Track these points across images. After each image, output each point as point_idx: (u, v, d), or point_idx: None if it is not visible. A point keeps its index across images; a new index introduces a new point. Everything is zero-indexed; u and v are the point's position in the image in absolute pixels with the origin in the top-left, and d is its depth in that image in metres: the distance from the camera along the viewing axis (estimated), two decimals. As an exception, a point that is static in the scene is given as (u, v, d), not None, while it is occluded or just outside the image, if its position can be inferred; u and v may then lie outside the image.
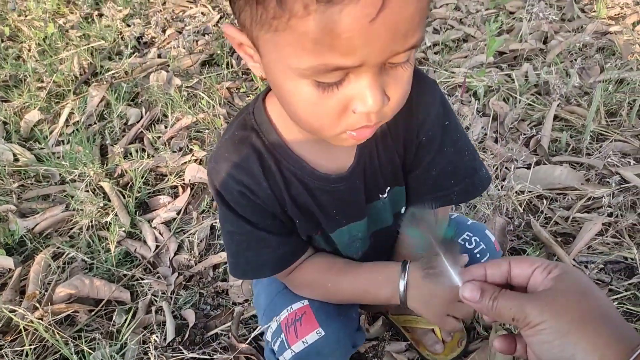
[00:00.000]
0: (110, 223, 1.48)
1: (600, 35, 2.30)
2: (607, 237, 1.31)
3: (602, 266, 1.25)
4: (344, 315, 0.86)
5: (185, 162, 1.72)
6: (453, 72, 2.06)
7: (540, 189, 1.43)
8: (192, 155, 1.75)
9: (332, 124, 0.55)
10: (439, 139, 0.75)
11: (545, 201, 1.42)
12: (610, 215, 1.37)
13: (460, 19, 2.58)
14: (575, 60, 2.08)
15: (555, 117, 1.75)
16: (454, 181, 0.80)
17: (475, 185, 0.81)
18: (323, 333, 0.81)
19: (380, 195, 0.80)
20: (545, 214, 1.40)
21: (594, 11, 2.51)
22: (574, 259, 1.26)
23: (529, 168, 1.52)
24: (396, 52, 0.49)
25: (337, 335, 0.83)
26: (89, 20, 3.02)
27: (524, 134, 1.71)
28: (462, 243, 0.96)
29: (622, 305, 1.15)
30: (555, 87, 1.83)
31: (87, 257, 1.41)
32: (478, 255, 0.95)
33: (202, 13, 2.97)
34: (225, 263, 1.38)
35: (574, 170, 1.51)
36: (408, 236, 0.57)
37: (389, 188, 0.80)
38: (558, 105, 1.78)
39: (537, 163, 1.57)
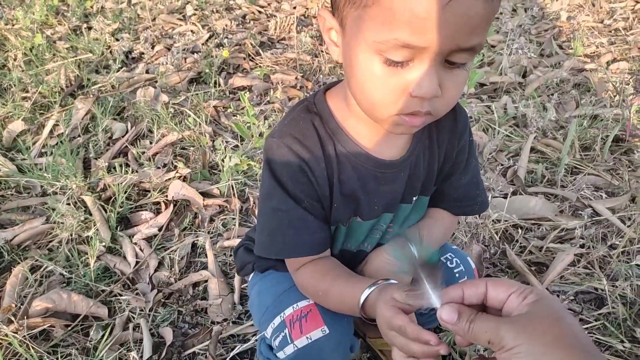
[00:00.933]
0: (90, 237, 1.48)
1: (577, 71, 2.40)
2: (578, 267, 1.35)
3: (573, 296, 1.29)
4: (347, 318, 0.88)
5: (169, 179, 1.73)
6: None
7: (516, 219, 1.47)
8: (176, 172, 1.76)
9: (391, 101, 0.63)
10: (467, 151, 0.88)
11: (520, 230, 1.46)
12: (582, 246, 1.42)
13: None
14: (552, 95, 2.16)
15: (532, 149, 1.82)
16: (478, 192, 0.93)
17: (485, 200, 0.94)
18: (328, 331, 0.83)
19: (413, 199, 0.87)
20: (520, 243, 1.44)
21: (571, 48, 2.61)
22: (547, 288, 1.30)
23: (505, 197, 1.56)
24: (458, 45, 0.57)
25: (340, 336, 0.85)
26: (78, 32, 3.03)
27: (502, 164, 1.76)
28: (444, 261, 1.00)
29: (591, 334, 1.19)
30: (533, 120, 1.90)
31: (66, 271, 1.40)
32: (457, 275, 0.98)
33: (191, 31, 3.00)
34: (205, 281, 1.38)
35: (548, 201, 1.57)
36: (393, 257, 0.59)
37: (416, 197, 0.87)
38: (535, 138, 1.85)
39: (514, 193, 1.62)
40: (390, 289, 0.68)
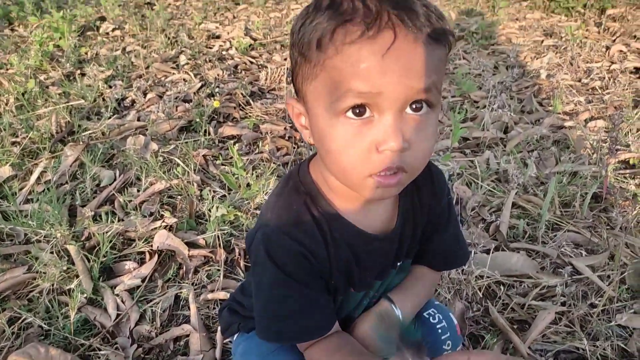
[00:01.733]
0: (72, 289, 1.46)
1: (556, 128, 2.49)
2: (560, 326, 1.36)
3: (554, 356, 1.30)
4: None
5: (155, 228, 1.73)
6: (420, 155, 2.17)
7: (498, 275, 1.49)
8: (163, 221, 1.76)
9: (360, 162, 0.64)
10: (447, 211, 0.91)
11: (502, 287, 1.48)
12: (563, 304, 1.43)
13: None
14: (533, 151, 2.23)
15: (513, 205, 1.86)
16: (459, 245, 0.96)
17: (466, 252, 0.98)
18: None
19: (398, 264, 0.89)
20: (503, 300, 1.45)
21: (551, 106, 2.71)
22: (529, 347, 1.31)
23: (488, 253, 1.59)
24: (412, 88, 0.60)
25: None
26: (71, 78, 3.08)
27: (484, 219, 1.80)
28: (427, 317, 1.01)
29: (573, 396, 1.19)
30: (514, 176, 1.95)
31: (45, 323, 1.38)
32: (440, 331, 0.99)
33: (184, 80, 3.07)
34: (187, 336, 1.37)
35: (530, 258, 1.59)
36: (376, 339, 0.61)
37: (400, 262, 0.89)
38: (516, 194, 1.89)
39: (496, 248, 1.64)
40: None
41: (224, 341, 1.34)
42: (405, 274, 0.95)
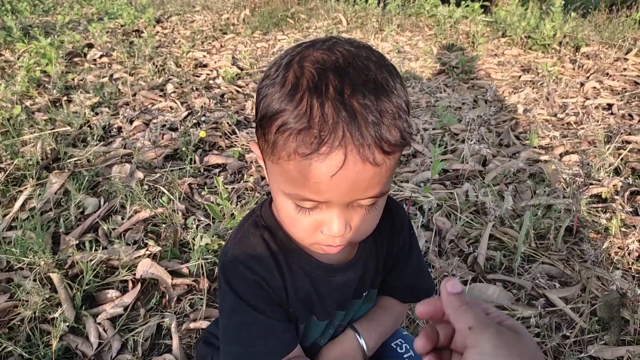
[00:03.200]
0: (55, 318, 1.46)
1: (532, 162, 2.57)
2: (534, 357, 1.40)
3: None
4: None
5: (139, 257, 1.75)
6: (401, 186, 2.24)
7: (475, 306, 1.53)
8: (147, 249, 1.78)
9: (306, 237, 0.72)
10: (408, 244, 0.95)
11: (479, 318, 1.52)
12: (537, 335, 1.48)
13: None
14: (510, 184, 2.30)
15: (491, 237, 1.91)
16: (422, 279, 0.99)
17: (431, 285, 1.01)
18: None
19: (363, 294, 0.93)
20: (479, 331, 1.49)
21: (528, 140, 2.81)
22: (504, 378, 1.34)
23: (465, 284, 1.63)
24: (357, 198, 0.66)
25: None
26: (57, 104, 3.11)
27: (462, 251, 1.85)
28: (394, 347, 1.04)
29: None
30: (491, 208, 2.01)
31: (25, 352, 1.38)
32: None
33: (170, 108, 3.12)
34: (169, 366, 1.37)
35: (505, 289, 1.64)
36: None
37: (367, 292, 0.93)
38: (493, 226, 1.95)
39: (474, 279, 1.69)
40: None
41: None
42: (371, 304, 0.98)
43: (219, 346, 1.02)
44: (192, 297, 1.62)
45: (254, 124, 3.02)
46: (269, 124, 0.64)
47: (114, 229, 1.91)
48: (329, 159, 0.60)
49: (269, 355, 0.84)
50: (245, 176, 2.33)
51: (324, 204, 0.67)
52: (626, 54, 4.19)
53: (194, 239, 1.81)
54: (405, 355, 1.02)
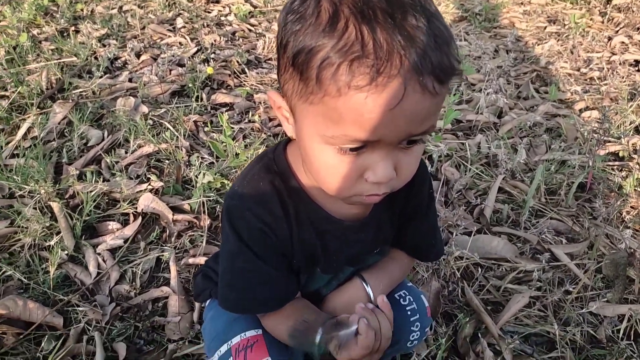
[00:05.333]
0: (52, 246, 1.46)
1: (550, 116, 2.48)
2: (533, 310, 1.39)
3: (525, 338, 1.32)
4: (291, 351, 0.90)
5: (141, 191, 1.73)
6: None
7: (477, 258, 1.50)
8: (149, 184, 1.76)
9: (347, 187, 0.65)
10: (426, 203, 0.91)
11: (480, 269, 1.50)
12: (538, 289, 1.45)
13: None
14: (524, 137, 2.23)
15: (500, 190, 1.86)
16: (434, 241, 0.96)
17: (441, 248, 0.99)
18: None
19: (375, 251, 0.91)
20: (480, 282, 1.47)
21: (547, 93, 2.70)
22: (500, 328, 1.33)
23: (469, 235, 1.60)
24: (411, 134, 0.60)
25: None
26: (65, 35, 3.02)
27: (469, 202, 1.81)
28: (397, 298, 1.02)
29: (539, 377, 1.22)
30: (503, 161, 1.95)
31: (24, 277, 1.38)
32: (409, 313, 1.00)
33: (179, 43, 3.02)
34: (166, 298, 1.38)
35: (510, 242, 1.61)
36: None
37: (379, 249, 0.91)
38: (503, 179, 1.90)
39: (479, 231, 1.65)
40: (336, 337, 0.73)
41: (202, 304, 1.35)
42: (379, 257, 0.95)
43: (216, 281, 1.01)
44: (192, 233, 1.61)
45: (265, 65, 2.94)
46: (307, 60, 0.56)
47: (116, 162, 1.88)
48: (388, 90, 0.53)
49: (266, 304, 0.82)
50: (251, 116, 2.28)
51: (369, 146, 0.60)
52: (661, 8, 3.96)
53: (196, 176, 1.79)
54: (407, 308, 0.99)
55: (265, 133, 2.14)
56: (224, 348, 0.88)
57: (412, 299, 1.02)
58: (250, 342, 0.86)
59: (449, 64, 0.56)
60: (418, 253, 0.99)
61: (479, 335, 1.31)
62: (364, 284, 0.90)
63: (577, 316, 1.36)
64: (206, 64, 2.68)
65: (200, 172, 1.77)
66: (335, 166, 0.63)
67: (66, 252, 1.48)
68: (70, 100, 2.21)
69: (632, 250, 1.53)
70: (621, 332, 1.33)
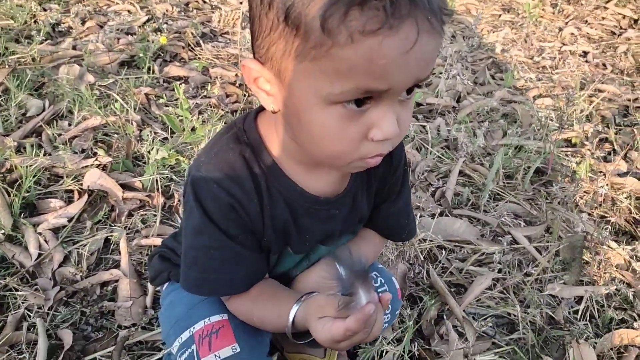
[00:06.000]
0: (-13, 223, 1.33)
1: (506, 102, 2.52)
2: (494, 292, 1.39)
3: (487, 320, 1.33)
4: (260, 336, 0.84)
5: (87, 166, 1.60)
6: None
7: (441, 240, 1.50)
8: (96, 159, 1.63)
9: (351, 150, 0.61)
10: (401, 182, 0.87)
11: (444, 252, 1.49)
12: (499, 271, 1.46)
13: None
14: (483, 122, 2.25)
15: (460, 173, 1.87)
16: (407, 221, 0.93)
17: (414, 228, 0.96)
18: (238, 349, 0.79)
19: (351, 229, 0.87)
20: (443, 264, 1.46)
21: (502, 80, 2.74)
22: (464, 310, 1.33)
23: (433, 217, 1.59)
24: (419, 79, 0.57)
25: (251, 354, 0.81)
26: (-1, -5, 2.77)
27: (431, 184, 1.80)
28: None
29: (502, 358, 1.22)
30: (463, 144, 1.96)
31: (-47, 259, 1.25)
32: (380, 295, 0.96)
33: (128, 11, 2.84)
34: (115, 281, 1.28)
35: (471, 225, 1.61)
36: (331, 276, 0.61)
37: (354, 227, 0.87)
38: (464, 162, 1.90)
39: (441, 214, 1.65)
40: (318, 304, 0.67)
41: (157, 288, 1.27)
42: (351, 237, 0.91)
43: (175, 263, 0.93)
44: (144, 213, 1.51)
45: (221, 39, 2.81)
46: (306, 10, 0.50)
47: (59, 135, 1.74)
48: (402, 33, 0.50)
49: (231, 286, 0.76)
50: (209, 90, 2.17)
51: (374, 100, 0.56)
52: (607, 2, 4.11)
53: (149, 152, 1.68)
54: (379, 289, 0.96)
55: (222, 109, 2.04)
56: (185, 335, 0.82)
57: (383, 281, 0.99)
58: (215, 328, 0.80)
59: (444, 3, 0.55)
60: (391, 232, 0.96)
61: (444, 317, 1.30)
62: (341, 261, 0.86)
63: (537, 298, 1.38)
64: (158, 34, 2.52)
65: (153, 148, 1.66)
66: (339, 129, 0.58)
67: (2, 231, 1.34)
68: (7, 66, 2.02)
69: (587, 233, 1.56)
70: (579, 313, 1.35)
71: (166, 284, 0.97)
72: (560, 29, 3.60)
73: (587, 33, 3.58)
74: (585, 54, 3.26)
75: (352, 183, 0.79)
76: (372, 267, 1.01)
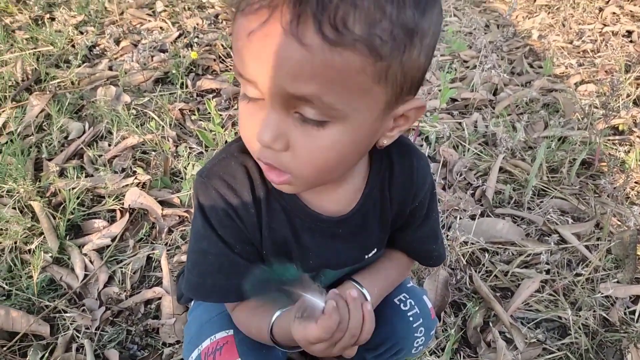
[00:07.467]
0: (33, 250, 1.38)
1: (546, 91, 2.42)
2: (543, 294, 1.34)
3: (537, 325, 1.27)
4: (266, 349, 0.82)
5: (127, 185, 1.64)
6: (407, 115, 2.09)
7: (483, 242, 1.45)
8: (135, 178, 1.67)
9: (250, 145, 0.61)
10: (427, 205, 0.82)
11: (487, 254, 1.44)
12: (547, 272, 1.40)
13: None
14: (522, 114, 2.17)
15: (500, 169, 1.81)
16: (435, 246, 0.88)
17: (442, 253, 0.91)
18: None
19: (367, 256, 0.82)
20: (487, 268, 1.42)
21: (541, 67, 2.63)
22: (511, 315, 1.28)
23: (473, 218, 1.54)
24: (284, 89, 0.51)
25: None
26: (39, 22, 2.88)
27: (470, 184, 1.75)
28: (397, 303, 0.93)
29: (554, 365, 1.17)
30: (502, 140, 1.89)
31: (6, 284, 1.30)
32: (411, 319, 0.92)
33: (160, 28, 2.90)
34: (159, 299, 1.30)
35: (515, 225, 1.55)
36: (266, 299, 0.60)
37: (375, 250, 0.82)
38: (504, 158, 1.84)
39: (482, 214, 1.60)
40: (289, 315, 0.66)
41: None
42: (358, 266, 0.86)
43: None
44: (183, 228, 1.54)
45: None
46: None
47: (100, 156, 1.79)
48: (252, 14, 0.49)
49: (224, 293, 0.75)
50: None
51: (266, 101, 0.54)
52: (651, -23, 3.89)
53: (185, 167, 1.70)
54: (409, 313, 0.91)
55: (254, 119, 2.05)
56: (194, 354, 0.82)
57: (413, 303, 0.93)
58: (219, 345, 0.80)
59: (348, 24, 0.46)
60: (417, 257, 0.91)
61: (490, 324, 1.25)
62: (359, 287, 0.82)
63: (590, 300, 1.31)
64: (189, 49, 2.57)
65: (189, 163, 1.69)
66: (242, 116, 0.60)
67: (50, 254, 1.39)
68: (48, 92, 2.09)
69: (640, 227, 1.48)
70: (636, 313, 1.28)
71: (192, 302, 0.97)
72: (601, 9, 3.43)
73: (631, 11, 3.39)
74: (630, 33, 3.10)
75: (361, 203, 0.75)
76: (401, 287, 0.96)
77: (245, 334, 0.80)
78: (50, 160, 1.75)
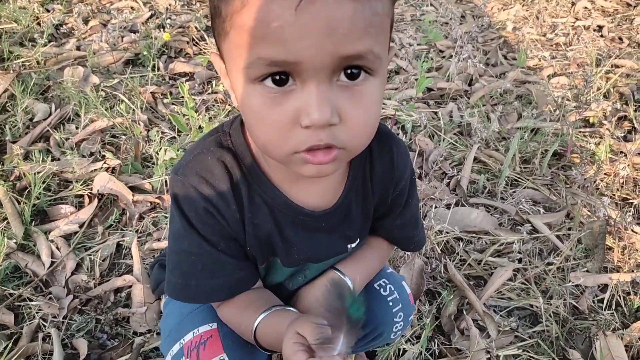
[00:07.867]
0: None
1: (520, 83, 2.45)
2: (515, 283, 1.36)
3: (509, 312, 1.29)
4: (251, 344, 0.80)
5: (95, 170, 1.59)
6: (384, 104, 2.09)
7: (457, 231, 1.46)
8: (104, 162, 1.62)
9: (280, 138, 0.54)
10: (407, 192, 0.81)
11: (461, 243, 1.45)
12: (519, 261, 1.42)
13: (395, 52, 2.63)
14: (496, 105, 2.19)
15: (475, 159, 1.82)
16: (415, 232, 0.88)
17: (423, 238, 0.91)
18: (226, 359, 0.76)
19: (350, 246, 0.81)
20: (461, 256, 1.43)
21: (515, 59, 2.66)
22: (484, 304, 1.29)
23: (448, 208, 1.55)
24: (340, 54, 0.48)
25: None
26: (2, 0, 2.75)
27: (446, 173, 1.75)
28: (377, 288, 0.94)
29: (525, 352, 1.19)
30: (477, 130, 1.90)
31: (-33, 271, 1.24)
32: (391, 304, 0.92)
33: (131, 7, 2.80)
34: (129, 287, 1.27)
35: (488, 214, 1.57)
36: (325, 307, 0.53)
37: (358, 240, 0.81)
38: (478, 148, 1.85)
39: (456, 203, 1.61)
40: (299, 323, 0.61)
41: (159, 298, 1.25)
42: (342, 256, 0.85)
43: None
44: (155, 215, 1.50)
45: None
46: None
47: (67, 139, 1.72)
48: None
49: (209, 293, 0.73)
50: (214, 86, 2.14)
51: (298, 80, 0.50)
52: (621, -27, 3.97)
53: (157, 152, 1.66)
54: (389, 298, 0.91)
55: (229, 104, 2.01)
56: (176, 347, 0.80)
57: (392, 288, 0.94)
58: (203, 339, 0.78)
59: None
60: (397, 243, 0.91)
61: (464, 312, 1.27)
62: (341, 276, 0.81)
63: (560, 288, 1.34)
64: (162, 30, 2.49)
65: (160, 148, 1.64)
66: (263, 111, 0.53)
67: (14, 240, 1.33)
68: (12, 71, 2.00)
69: (610, 217, 1.51)
70: (604, 302, 1.31)
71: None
72: (573, 3, 3.48)
73: (602, 6, 3.46)
74: (600, 28, 3.16)
75: (344, 196, 0.74)
76: (380, 273, 0.96)
77: (234, 329, 0.78)
78: (14, 142, 1.68)
